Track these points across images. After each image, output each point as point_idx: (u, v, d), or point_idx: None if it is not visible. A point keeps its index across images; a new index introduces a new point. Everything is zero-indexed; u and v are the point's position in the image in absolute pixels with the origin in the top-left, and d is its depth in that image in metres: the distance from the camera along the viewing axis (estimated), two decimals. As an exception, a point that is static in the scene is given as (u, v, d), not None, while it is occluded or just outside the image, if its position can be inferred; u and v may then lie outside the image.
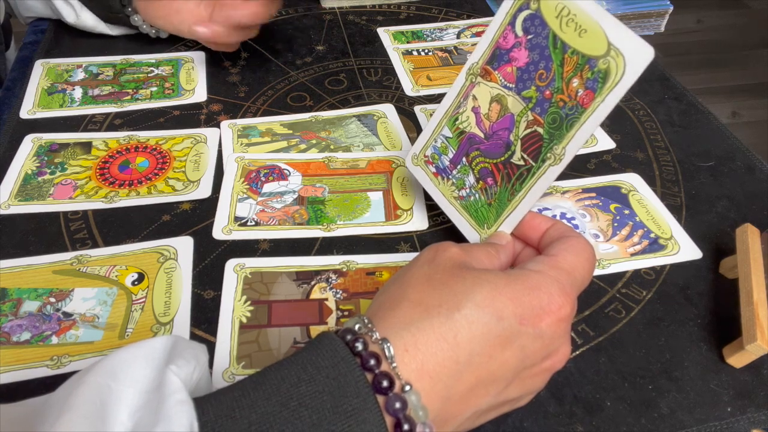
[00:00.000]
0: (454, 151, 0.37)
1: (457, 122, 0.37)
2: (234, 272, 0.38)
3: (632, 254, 0.40)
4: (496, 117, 0.35)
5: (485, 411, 0.28)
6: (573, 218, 0.42)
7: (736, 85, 1.83)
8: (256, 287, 0.37)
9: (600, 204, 0.43)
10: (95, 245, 0.39)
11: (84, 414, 0.21)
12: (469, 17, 0.66)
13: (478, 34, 0.63)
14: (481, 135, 0.35)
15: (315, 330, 0.35)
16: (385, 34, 0.63)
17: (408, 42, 0.61)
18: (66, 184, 0.44)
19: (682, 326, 0.36)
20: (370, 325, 0.26)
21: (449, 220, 0.42)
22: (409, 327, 0.26)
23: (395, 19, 0.66)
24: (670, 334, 0.35)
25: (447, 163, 0.37)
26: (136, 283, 0.37)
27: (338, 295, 0.37)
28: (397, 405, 0.24)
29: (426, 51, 0.60)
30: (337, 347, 0.24)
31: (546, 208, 0.43)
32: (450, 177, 0.37)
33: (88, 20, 0.58)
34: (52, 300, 0.36)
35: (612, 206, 0.43)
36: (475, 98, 0.36)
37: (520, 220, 0.34)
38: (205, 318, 0.35)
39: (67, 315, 0.35)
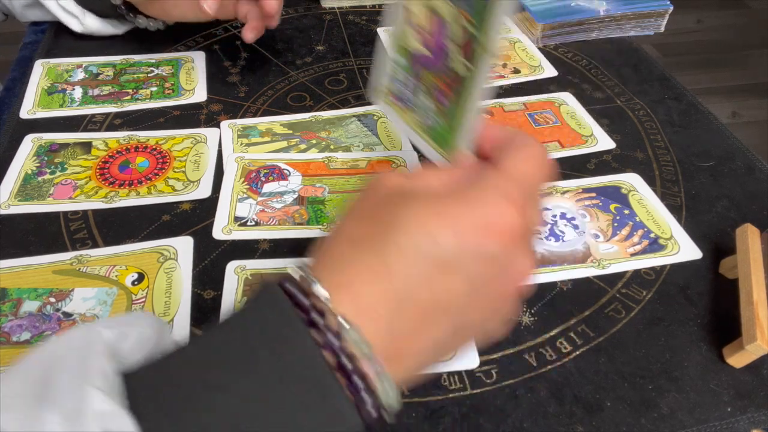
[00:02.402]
0: (410, 78, 0.35)
1: (403, 44, 0.35)
2: (235, 274, 0.38)
3: (632, 254, 0.40)
4: (432, 28, 0.33)
5: (447, 341, 0.26)
6: (573, 218, 0.42)
7: (736, 85, 1.83)
8: (256, 288, 0.37)
9: (600, 204, 0.43)
10: (95, 245, 0.39)
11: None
12: (469, 17, 0.66)
13: (478, 34, 0.63)
14: (427, 52, 0.34)
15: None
16: (385, 34, 0.63)
17: (408, 42, 0.61)
18: (66, 184, 0.44)
19: (682, 326, 0.36)
20: (304, 271, 0.24)
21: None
22: (340, 264, 0.24)
23: (395, 19, 0.66)
24: (670, 334, 0.35)
25: (407, 92, 0.36)
26: (136, 283, 0.37)
27: (338, 295, 0.37)
28: (333, 340, 0.22)
29: (426, 51, 0.60)
30: (278, 302, 0.23)
31: (546, 208, 0.43)
32: (412, 105, 0.36)
33: (93, 25, 0.58)
34: (52, 300, 0.36)
35: (612, 206, 0.43)
36: (410, 11, 0.34)
37: (474, 134, 0.31)
38: (205, 318, 0.35)
39: (67, 315, 0.35)
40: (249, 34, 0.53)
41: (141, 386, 0.22)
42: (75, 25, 0.58)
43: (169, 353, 0.23)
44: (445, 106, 0.33)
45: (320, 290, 0.23)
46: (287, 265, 0.38)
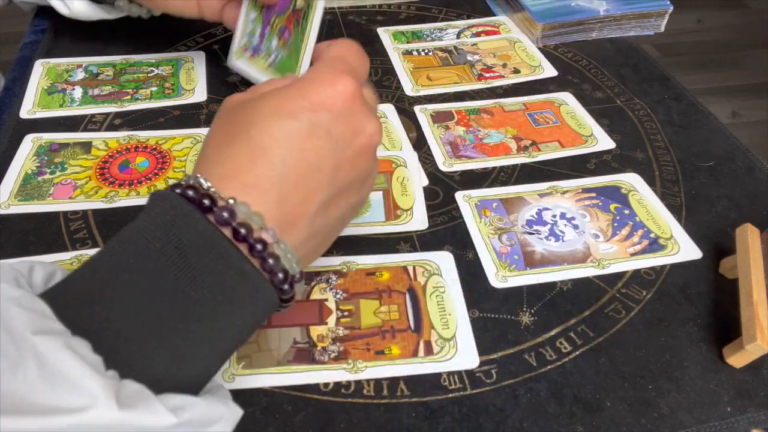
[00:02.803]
0: (260, 27, 0.45)
1: (256, 4, 0.44)
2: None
3: (632, 254, 0.40)
4: None
5: (330, 202, 0.29)
6: (573, 218, 0.42)
7: (736, 85, 1.83)
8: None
9: (600, 204, 0.43)
10: (95, 245, 0.39)
11: None
12: (469, 17, 0.66)
13: (478, 34, 0.63)
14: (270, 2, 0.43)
15: (315, 330, 0.35)
16: (385, 34, 0.63)
17: (408, 42, 0.61)
18: (66, 184, 0.44)
19: (682, 326, 0.36)
20: (190, 175, 0.27)
21: (449, 221, 0.42)
22: (218, 162, 0.27)
23: (395, 19, 0.66)
24: (670, 334, 0.35)
25: (257, 40, 0.44)
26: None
27: (338, 296, 0.37)
28: (225, 215, 0.25)
29: (426, 51, 0.60)
30: (167, 197, 0.26)
31: (546, 208, 0.43)
32: (261, 51, 0.44)
33: (81, 9, 0.55)
34: (52, 300, 0.36)
35: (612, 206, 0.43)
36: None
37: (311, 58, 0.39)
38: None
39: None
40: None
41: (53, 298, 0.23)
42: (61, 8, 0.56)
43: (75, 270, 0.25)
44: (287, 39, 0.41)
45: (204, 182, 0.26)
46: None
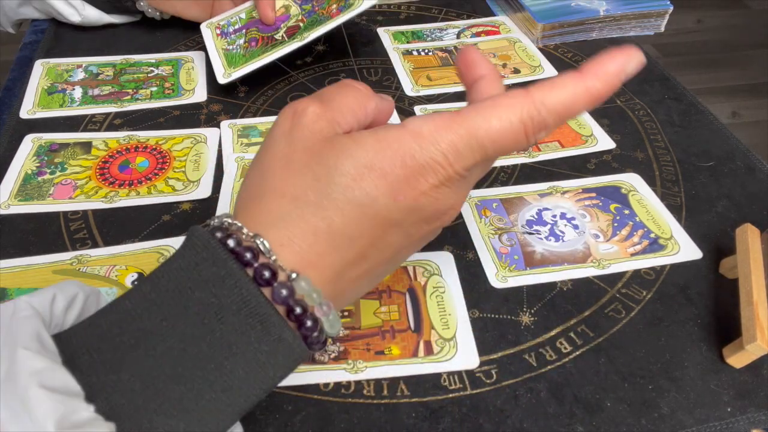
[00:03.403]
0: (240, 25, 0.55)
1: (253, 12, 0.56)
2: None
3: (632, 254, 0.40)
4: (280, 14, 0.55)
5: (381, 272, 0.28)
6: (573, 218, 0.42)
7: (736, 85, 1.83)
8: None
9: (600, 204, 0.43)
10: (95, 245, 0.39)
11: None
12: (469, 17, 0.66)
13: (478, 34, 0.63)
14: (266, 23, 0.55)
15: (315, 330, 0.35)
16: (385, 34, 0.63)
17: (408, 42, 0.61)
18: (66, 184, 0.44)
19: (682, 326, 0.36)
20: (238, 223, 0.24)
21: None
22: (278, 222, 0.24)
23: (395, 19, 0.66)
24: (670, 334, 0.35)
25: (231, 29, 0.55)
26: (135, 283, 0.37)
27: (338, 295, 0.37)
28: (284, 292, 0.23)
29: (426, 51, 0.60)
30: (211, 247, 0.23)
31: (546, 208, 0.43)
32: (227, 37, 0.54)
33: (92, 15, 0.58)
34: (52, 300, 0.36)
35: (612, 206, 0.43)
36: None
37: (253, 70, 0.51)
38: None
39: (67, 315, 0.35)
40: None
41: (75, 342, 0.22)
42: (73, 16, 0.58)
43: (102, 309, 0.23)
44: (252, 47, 0.53)
45: (264, 246, 0.23)
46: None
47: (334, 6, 0.53)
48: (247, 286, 0.22)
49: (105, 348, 0.22)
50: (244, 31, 0.55)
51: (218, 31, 0.55)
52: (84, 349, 0.22)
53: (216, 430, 0.22)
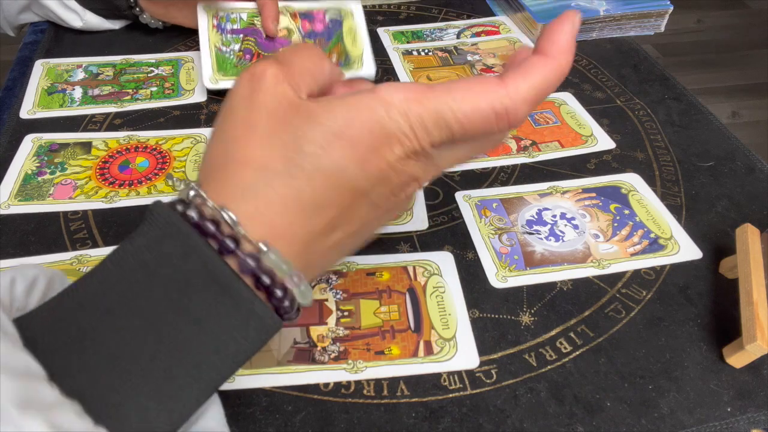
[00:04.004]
0: (239, 26, 0.54)
1: (254, 18, 0.55)
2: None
3: (632, 254, 0.40)
4: (281, 35, 0.54)
5: (351, 241, 0.27)
6: (573, 218, 0.42)
7: (736, 85, 1.83)
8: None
9: (600, 204, 0.43)
10: (95, 245, 0.39)
11: None
12: (469, 17, 0.66)
13: (478, 34, 0.63)
14: (264, 36, 0.54)
15: (315, 330, 0.35)
16: (385, 34, 0.63)
17: (408, 42, 0.61)
18: (66, 184, 0.44)
19: (682, 326, 0.36)
20: (203, 194, 0.23)
21: (449, 221, 0.42)
22: (246, 193, 0.23)
23: (395, 19, 0.66)
24: (670, 334, 0.35)
25: (229, 27, 0.53)
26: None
27: (338, 296, 0.37)
28: (251, 262, 0.22)
29: (426, 51, 0.60)
30: (172, 222, 0.22)
31: (546, 208, 0.43)
32: (223, 34, 0.53)
33: (93, 21, 0.59)
34: (52, 300, 0.36)
35: (612, 206, 0.43)
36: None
37: None
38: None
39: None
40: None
41: (36, 324, 0.21)
42: (75, 21, 0.58)
43: (65, 289, 0.22)
44: (246, 59, 0.53)
45: (229, 217, 0.23)
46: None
47: (334, 56, 0.53)
48: (213, 260, 0.22)
49: (67, 328, 0.21)
50: (241, 36, 0.53)
51: (215, 21, 0.53)
52: (46, 330, 0.21)
53: (190, 406, 0.22)
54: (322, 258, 0.26)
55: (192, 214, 0.23)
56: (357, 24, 0.55)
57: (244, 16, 0.54)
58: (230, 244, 0.22)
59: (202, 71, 0.51)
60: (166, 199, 0.42)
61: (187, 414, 0.22)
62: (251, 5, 0.55)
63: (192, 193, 0.23)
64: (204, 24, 0.53)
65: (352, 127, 0.24)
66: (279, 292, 0.23)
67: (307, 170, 0.23)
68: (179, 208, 0.23)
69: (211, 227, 0.22)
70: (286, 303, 0.24)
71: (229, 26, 0.54)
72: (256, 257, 0.23)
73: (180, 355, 0.22)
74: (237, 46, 0.53)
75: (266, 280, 0.23)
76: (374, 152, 0.24)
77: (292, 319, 0.25)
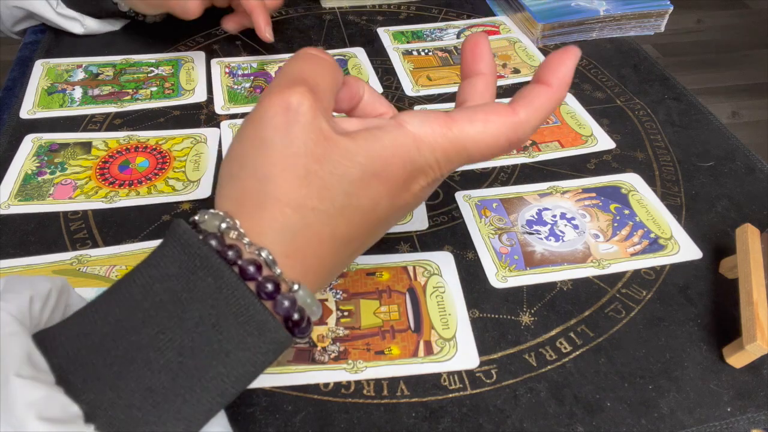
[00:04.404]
0: (250, 71, 0.56)
1: (264, 65, 0.57)
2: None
3: (632, 254, 0.40)
4: None
5: (358, 253, 0.29)
6: (573, 218, 0.42)
7: (736, 85, 1.83)
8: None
9: (600, 204, 0.43)
10: (95, 245, 0.39)
11: None
12: (469, 17, 0.66)
13: (478, 34, 0.63)
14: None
15: (315, 330, 0.35)
16: (385, 34, 0.63)
17: (408, 42, 0.61)
18: (66, 184, 0.44)
19: (682, 326, 0.36)
20: (239, 229, 0.23)
21: (449, 221, 0.42)
22: (284, 232, 0.24)
23: (395, 19, 0.66)
24: (670, 334, 0.35)
25: (240, 72, 0.56)
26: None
27: (338, 296, 0.37)
28: (286, 304, 0.23)
29: (426, 51, 0.60)
30: (206, 256, 0.22)
31: (546, 208, 0.43)
32: (234, 77, 0.55)
33: (94, 25, 0.59)
34: (52, 300, 0.36)
35: (612, 206, 0.43)
36: None
37: None
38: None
39: (67, 315, 0.35)
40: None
41: (64, 353, 0.21)
42: (76, 28, 0.58)
43: (88, 313, 0.22)
44: (256, 94, 0.54)
45: (268, 258, 0.23)
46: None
47: None
48: (246, 298, 0.22)
49: (100, 363, 0.21)
50: (252, 77, 0.55)
51: (227, 70, 0.56)
52: (77, 363, 0.21)
53: (203, 422, 0.23)
54: (331, 276, 0.28)
55: (230, 253, 0.23)
56: (361, 61, 0.58)
57: (255, 65, 0.57)
58: (269, 287, 0.23)
59: (214, 102, 0.53)
60: (169, 200, 0.43)
61: (198, 428, 0.23)
62: (261, 57, 0.58)
63: (225, 225, 0.23)
64: (217, 74, 0.56)
65: (389, 167, 0.25)
66: (304, 323, 0.24)
67: (345, 208, 0.25)
68: (213, 243, 0.23)
69: (250, 269, 0.23)
70: (303, 325, 0.25)
71: (239, 72, 0.56)
72: (292, 299, 0.23)
73: (210, 387, 0.22)
74: (248, 84, 0.54)
75: (296, 316, 0.24)
76: (404, 186, 0.26)
77: (304, 337, 0.27)
